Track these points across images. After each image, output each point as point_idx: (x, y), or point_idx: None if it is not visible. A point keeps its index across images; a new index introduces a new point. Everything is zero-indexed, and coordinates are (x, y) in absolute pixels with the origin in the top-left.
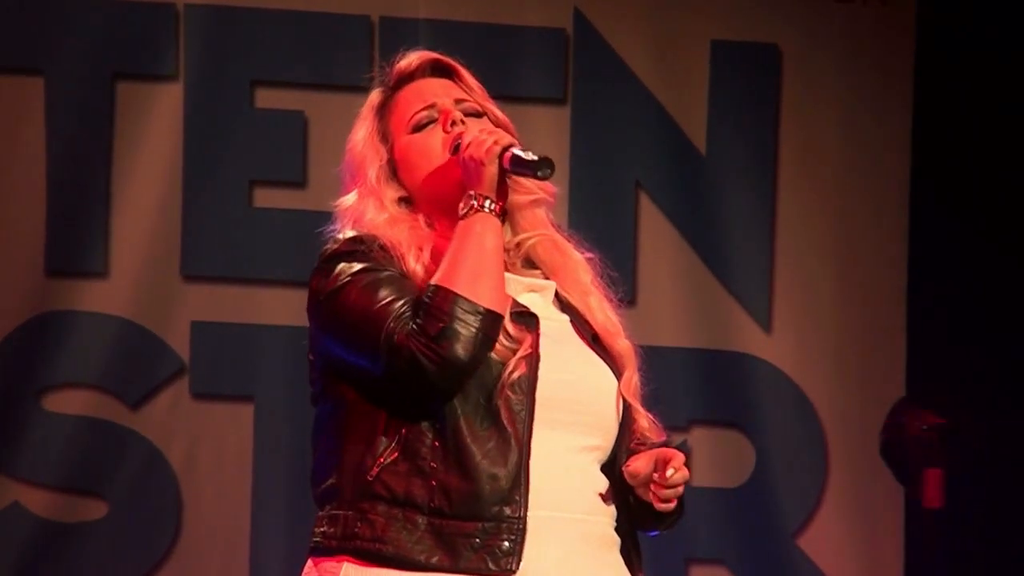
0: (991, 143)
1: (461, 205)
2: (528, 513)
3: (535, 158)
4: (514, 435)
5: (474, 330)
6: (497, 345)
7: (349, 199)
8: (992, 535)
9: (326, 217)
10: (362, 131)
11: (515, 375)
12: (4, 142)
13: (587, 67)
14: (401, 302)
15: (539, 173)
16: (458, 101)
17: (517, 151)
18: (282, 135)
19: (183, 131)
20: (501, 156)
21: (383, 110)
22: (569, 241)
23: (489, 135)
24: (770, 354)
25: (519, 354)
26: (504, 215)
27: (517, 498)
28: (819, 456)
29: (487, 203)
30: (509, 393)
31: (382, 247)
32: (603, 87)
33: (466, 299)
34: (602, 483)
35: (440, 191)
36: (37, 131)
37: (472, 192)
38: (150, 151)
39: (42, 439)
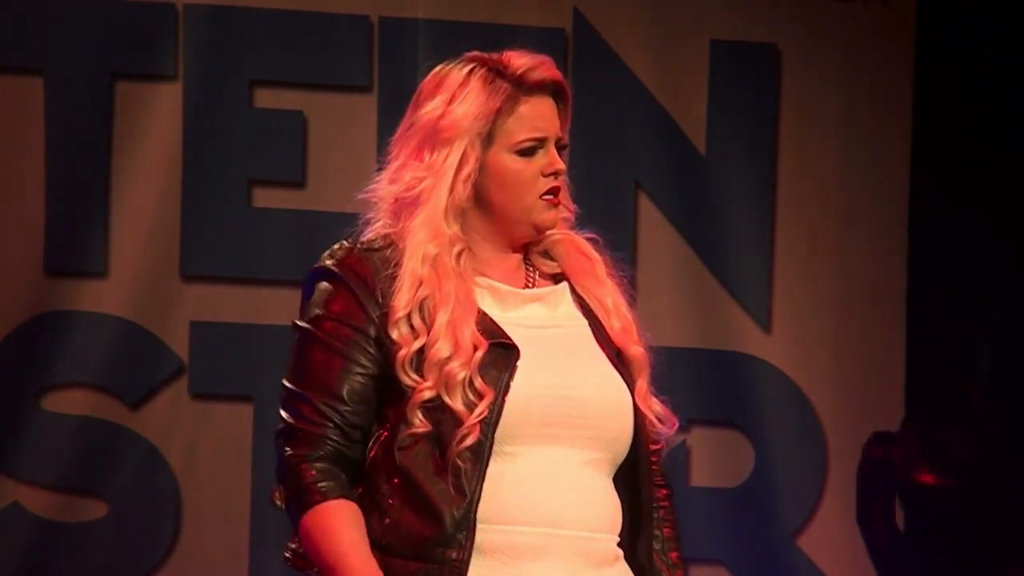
0: (991, 143)
1: None
2: (518, 530)
3: None
4: (466, 480)
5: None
6: (458, 402)
7: (420, 170)
8: (991, 535)
9: (325, 217)
10: (469, 109)
11: (465, 443)
12: (4, 142)
13: (586, 67)
14: (328, 423)
15: None
16: (559, 139)
17: None
18: (281, 135)
19: (182, 131)
20: None
21: (502, 111)
22: (578, 233)
23: None
24: (770, 354)
25: (471, 419)
26: None
27: (462, 542)
28: (819, 456)
29: None
30: (457, 461)
31: (399, 260)
32: (603, 87)
33: (310, 536)
34: (608, 499)
35: (516, 217)
36: (37, 131)
37: None
38: (149, 151)
39: (42, 439)
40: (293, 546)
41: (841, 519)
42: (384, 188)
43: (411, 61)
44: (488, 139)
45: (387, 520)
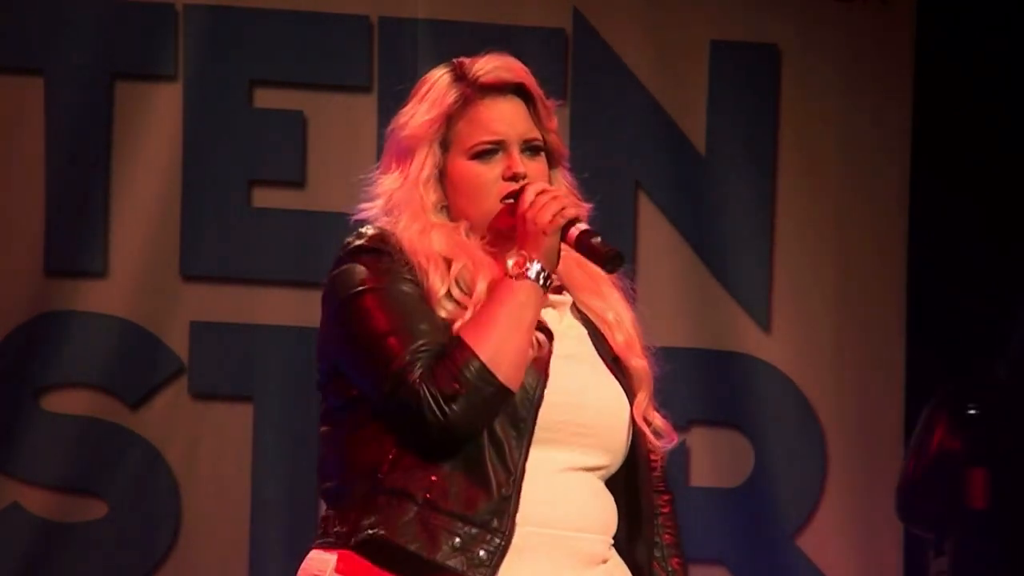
0: (991, 143)
1: (512, 265)
2: (516, 530)
3: (604, 250)
4: (509, 454)
5: (482, 400)
6: None
7: (391, 181)
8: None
9: (325, 217)
10: (424, 118)
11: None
12: (4, 142)
13: (586, 67)
14: (422, 340)
15: (607, 267)
16: (525, 141)
17: (583, 227)
18: (281, 135)
19: (182, 131)
20: (565, 229)
21: (453, 115)
22: None
23: (555, 201)
24: (770, 354)
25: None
26: (551, 285)
27: (506, 514)
28: (818, 456)
29: (541, 275)
30: (502, 431)
31: (405, 254)
32: (603, 87)
33: (485, 367)
34: (601, 501)
35: (480, 223)
36: (37, 131)
37: (527, 255)
38: (149, 151)
39: (42, 439)
40: (336, 529)
41: (841, 519)
42: (367, 206)
43: (411, 61)
44: (445, 144)
45: (433, 477)
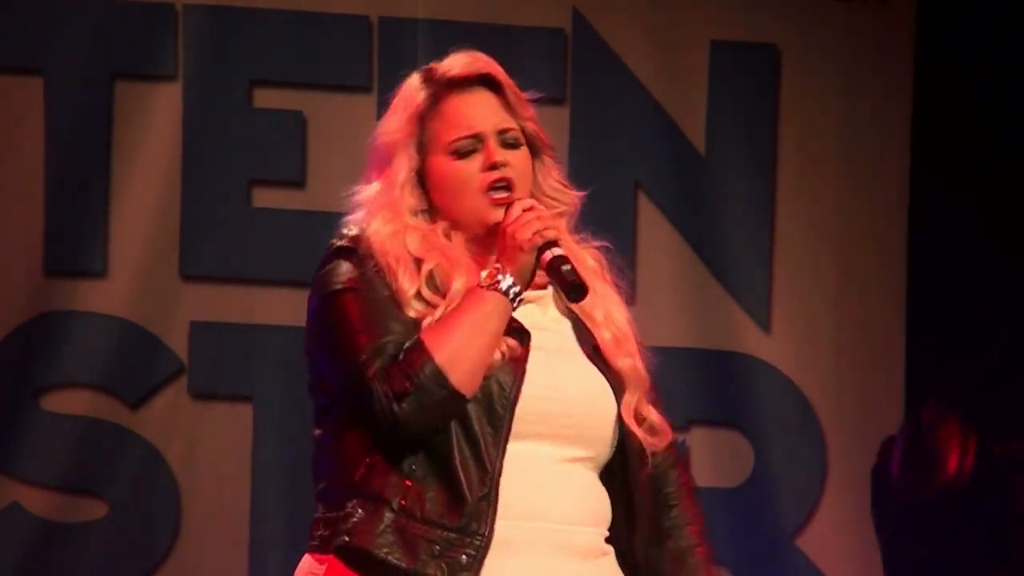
0: (991, 143)
1: (485, 275)
2: (499, 524)
3: (569, 279)
4: (486, 451)
5: (433, 403)
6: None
7: (372, 189)
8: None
9: (325, 217)
10: (397, 123)
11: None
12: (3, 142)
13: (586, 67)
14: (388, 338)
15: (569, 296)
16: (501, 132)
17: (558, 253)
18: (281, 135)
19: (182, 131)
20: (541, 250)
21: (424, 115)
22: (581, 243)
23: (538, 220)
24: (769, 354)
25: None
26: (521, 302)
27: (485, 515)
28: (818, 456)
29: (511, 290)
30: (479, 429)
31: (375, 256)
32: (602, 87)
33: (439, 370)
34: (592, 493)
35: (466, 220)
36: (36, 131)
37: (501, 267)
38: (149, 151)
39: (41, 439)
40: (319, 532)
41: (841, 519)
42: (351, 219)
43: (411, 61)
44: (421, 146)
45: (408, 483)
